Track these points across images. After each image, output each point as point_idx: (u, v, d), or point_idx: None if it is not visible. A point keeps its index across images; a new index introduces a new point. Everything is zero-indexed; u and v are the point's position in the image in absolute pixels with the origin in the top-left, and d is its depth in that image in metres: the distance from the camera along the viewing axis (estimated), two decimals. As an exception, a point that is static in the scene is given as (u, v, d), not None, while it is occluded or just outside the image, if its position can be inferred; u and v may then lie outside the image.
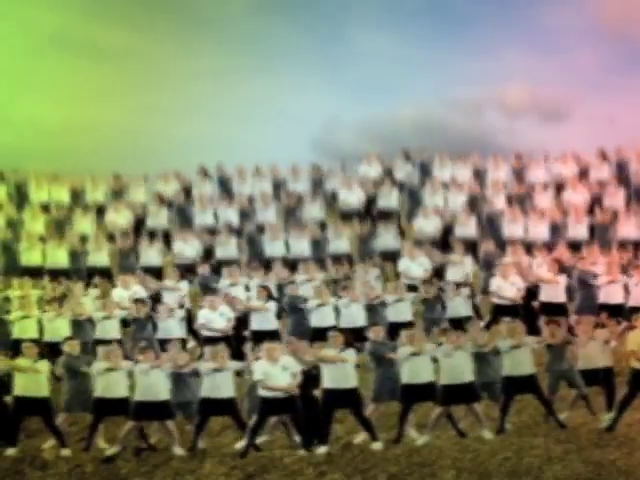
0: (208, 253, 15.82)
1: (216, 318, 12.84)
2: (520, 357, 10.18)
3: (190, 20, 27.82)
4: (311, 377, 9.96)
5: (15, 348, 11.42)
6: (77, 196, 18.32)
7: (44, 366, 10.17)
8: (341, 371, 9.86)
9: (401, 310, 13.12)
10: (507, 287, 13.33)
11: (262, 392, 9.57)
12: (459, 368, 10.02)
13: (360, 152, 19.77)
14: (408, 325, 12.45)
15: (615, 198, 16.78)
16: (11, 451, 9.63)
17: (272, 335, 12.41)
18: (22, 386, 10.01)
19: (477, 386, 10.03)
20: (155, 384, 9.70)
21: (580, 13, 29.45)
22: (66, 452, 9.65)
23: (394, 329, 12.14)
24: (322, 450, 9.27)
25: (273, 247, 15.74)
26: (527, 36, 29.46)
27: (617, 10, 27.35)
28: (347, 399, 9.83)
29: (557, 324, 10.94)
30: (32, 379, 10.00)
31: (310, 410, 9.68)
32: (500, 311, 13.27)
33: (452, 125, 27.43)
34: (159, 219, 16.98)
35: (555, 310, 13.00)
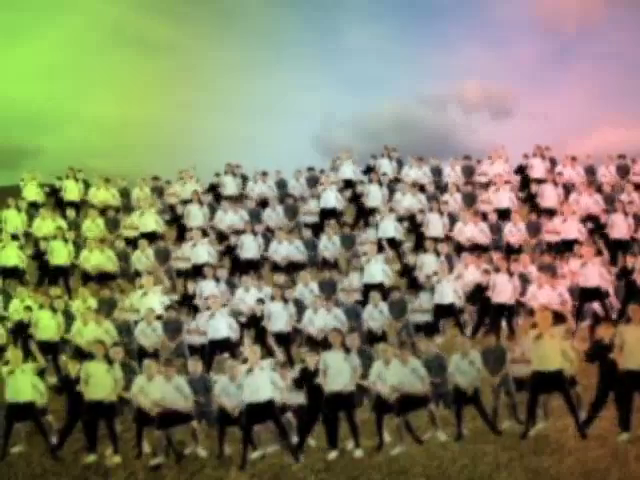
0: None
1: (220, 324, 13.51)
2: (467, 366, 11.06)
3: (216, 12, 28.07)
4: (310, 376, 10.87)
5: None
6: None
7: (118, 371, 11.01)
8: (340, 374, 10.73)
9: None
10: (446, 291, 14.29)
11: (245, 399, 10.50)
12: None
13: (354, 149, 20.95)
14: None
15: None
16: (92, 457, 10.64)
17: (286, 337, 13.82)
18: (92, 390, 10.79)
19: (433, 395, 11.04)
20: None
21: (520, 5, 29.57)
22: (116, 459, 10.66)
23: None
24: (333, 454, 10.51)
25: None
26: (480, 29, 29.69)
27: (550, 1, 27.75)
28: (345, 402, 10.75)
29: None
30: (102, 383, 10.86)
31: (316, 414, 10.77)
32: (440, 313, 14.30)
33: (424, 122, 28.19)
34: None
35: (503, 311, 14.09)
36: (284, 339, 13.90)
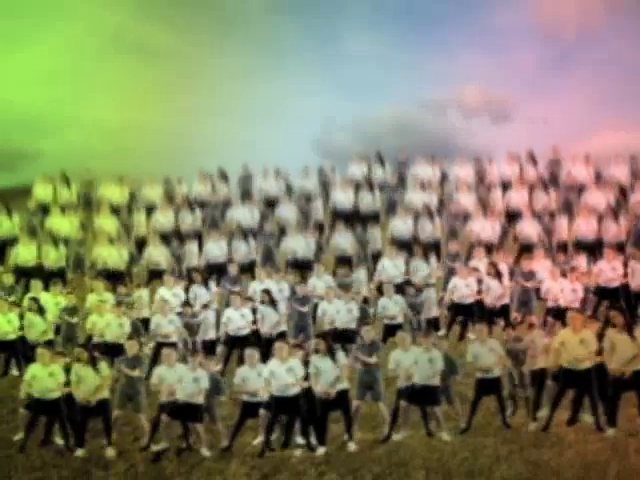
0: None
1: (238, 318, 13.64)
2: (488, 361, 11.15)
3: (216, 19, 28.34)
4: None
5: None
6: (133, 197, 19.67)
7: (105, 370, 11.05)
8: (330, 376, 10.78)
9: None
10: (463, 288, 14.44)
11: (273, 391, 10.62)
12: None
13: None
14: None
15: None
16: (80, 452, 10.71)
17: (280, 337, 13.46)
18: (83, 391, 10.83)
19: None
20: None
21: (520, 12, 29.85)
22: (110, 452, 10.71)
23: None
24: (321, 451, 10.55)
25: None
26: (480, 36, 29.97)
27: (549, 8, 28.01)
28: (339, 401, 10.85)
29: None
30: (93, 383, 10.83)
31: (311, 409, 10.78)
32: (457, 311, 14.45)
33: (424, 126, 28.43)
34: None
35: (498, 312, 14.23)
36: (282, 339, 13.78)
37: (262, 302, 14.05)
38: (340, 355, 11.11)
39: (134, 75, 29.06)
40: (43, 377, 11.00)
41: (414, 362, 11.01)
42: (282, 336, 13.73)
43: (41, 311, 13.77)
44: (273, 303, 13.95)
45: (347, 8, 30.19)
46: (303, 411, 10.72)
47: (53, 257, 16.52)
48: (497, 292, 14.37)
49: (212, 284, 15.46)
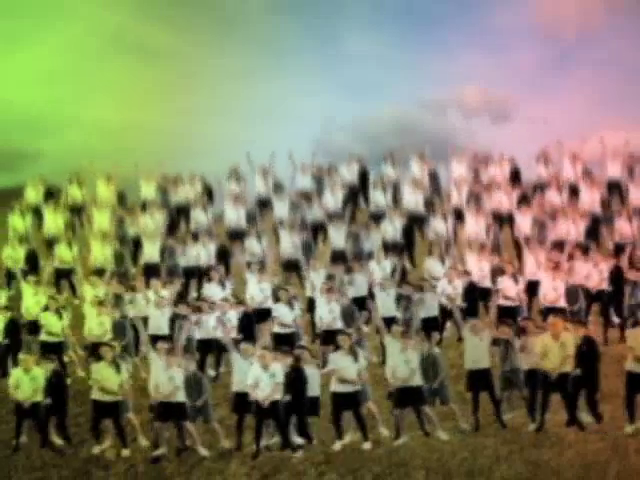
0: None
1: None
2: (479, 351, 11.25)
3: (216, 19, 28.42)
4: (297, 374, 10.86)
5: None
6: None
7: (125, 369, 11.04)
8: (347, 374, 10.81)
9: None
10: (450, 291, 14.35)
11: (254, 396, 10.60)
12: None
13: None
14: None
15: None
16: (97, 449, 10.73)
17: (290, 337, 13.60)
18: (101, 391, 10.90)
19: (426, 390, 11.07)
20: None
21: (520, 12, 29.87)
22: (126, 452, 10.74)
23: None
24: (337, 446, 10.63)
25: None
26: (480, 36, 30.02)
27: (549, 8, 28.05)
28: (352, 401, 10.88)
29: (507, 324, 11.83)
30: (112, 383, 10.89)
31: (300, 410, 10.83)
32: (445, 314, 14.20)
33: (424, 126, 28.50)
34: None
35: (507, 312, 13.99)
36: (288, 339, 13.68)
37: (278, 300, 14.02)
38: (360, 355, 11.11)
39: (134, 75, 29.14)
40: (25, 382, 11.07)
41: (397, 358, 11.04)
42: (292, 336, 13.70)
43: (58, 311, 13.76)
44: (290, 303, 13.88)
45: (347, 8, 30.22)
46: (283, 416, 10.70)
47: (67, 257, 16.56)
48: (512, 291, 14.35)
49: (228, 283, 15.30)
